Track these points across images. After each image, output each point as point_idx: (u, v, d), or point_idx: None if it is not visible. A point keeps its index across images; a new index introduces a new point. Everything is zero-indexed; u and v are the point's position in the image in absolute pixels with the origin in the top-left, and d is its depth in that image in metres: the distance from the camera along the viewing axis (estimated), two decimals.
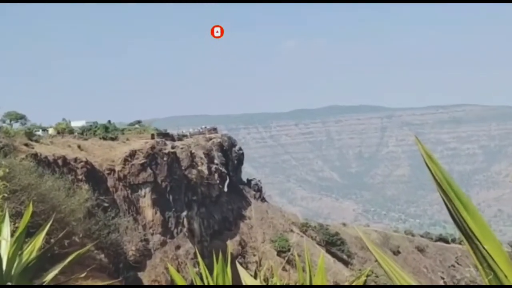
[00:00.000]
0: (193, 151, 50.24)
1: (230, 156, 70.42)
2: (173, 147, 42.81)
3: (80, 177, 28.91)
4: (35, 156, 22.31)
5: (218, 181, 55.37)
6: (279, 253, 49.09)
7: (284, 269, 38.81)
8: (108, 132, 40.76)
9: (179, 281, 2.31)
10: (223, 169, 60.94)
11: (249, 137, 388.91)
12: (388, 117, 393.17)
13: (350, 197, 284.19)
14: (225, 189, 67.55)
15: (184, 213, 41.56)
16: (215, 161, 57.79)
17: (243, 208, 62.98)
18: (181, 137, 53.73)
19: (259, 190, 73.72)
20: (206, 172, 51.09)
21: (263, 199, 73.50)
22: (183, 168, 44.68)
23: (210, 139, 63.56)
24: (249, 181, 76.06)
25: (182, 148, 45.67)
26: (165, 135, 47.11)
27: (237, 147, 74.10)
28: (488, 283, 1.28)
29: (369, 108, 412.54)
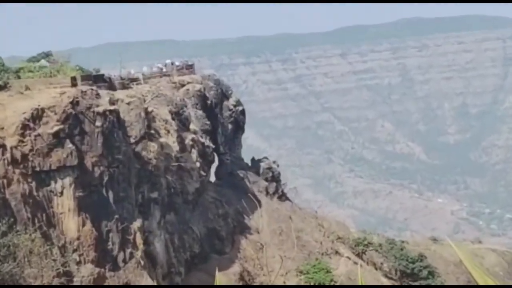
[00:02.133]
0: (150, 108, 50.11)
1: (220, 116, 71.98)
2: (112, 102, 42.67)
3: None
4: None
5: (198, 164, 55.70)
6: None
7: None
8: None
9: None
10: (208, 142, 61.23)
11: (255, 79, 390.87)
12: None
13: (445, 189, 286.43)
14: (212, 178, 68.25)
15: (137, 224, 42.11)
16: (192, 127, 58.48)
17: (245, 213, 64.45)
18: (127, 82, 53.33)
19: (275, 178, 75.40)
20: (176, 147, 51.35)
21: (282, 196, 75.60)
22: (132, 140, 44.67)
23: (182, 84, 64.04)
24: (256, 162, 78.08)
25: (129, 104, 45.43)
26: (98, 79, 46.62)
27: (232, 100, 75.21)
28: None
29: (478, 20, 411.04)
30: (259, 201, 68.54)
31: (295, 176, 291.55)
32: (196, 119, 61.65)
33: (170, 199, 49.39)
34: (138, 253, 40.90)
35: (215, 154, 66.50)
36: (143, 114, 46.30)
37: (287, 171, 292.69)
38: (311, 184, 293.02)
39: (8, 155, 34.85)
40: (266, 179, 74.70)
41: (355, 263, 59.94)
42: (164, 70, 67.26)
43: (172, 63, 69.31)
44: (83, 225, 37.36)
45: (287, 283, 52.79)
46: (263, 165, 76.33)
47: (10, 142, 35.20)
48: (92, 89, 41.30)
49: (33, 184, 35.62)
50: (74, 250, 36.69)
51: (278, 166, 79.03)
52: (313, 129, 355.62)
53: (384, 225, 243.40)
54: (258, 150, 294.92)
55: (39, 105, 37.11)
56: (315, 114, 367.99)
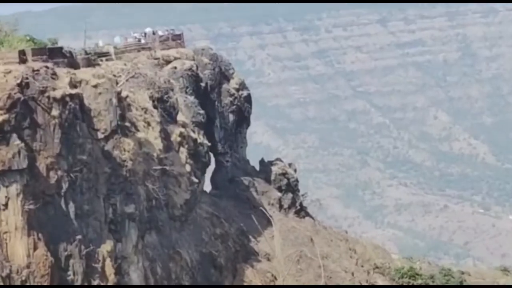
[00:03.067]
0: (124, 92, 50.10)
1: (218, 104, 71.69)
2: (74, 84, 42.82)
3: None
4: None
5: (188, 168, 55.80)
6: None
7: None
8: None
9: None
10: (201, 138, 61.40)
11: (264, 54, 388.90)
12: None
13: None
14: (207, 187, 68.08)
15: (107, 247, 42.10)
16: (181, 119, 58.43)
17: (251, 234, 64.28)
18: (94, 58, 53.38)
19: (291, 187, 75.34)
20: (158, 145, 51.54)
21: (301, 211, 75.36)
22: (100, 136, 44.70)
23: (167, 61, 64.32)
24: (265, 165, 77.81)
25: (97, 87, 45.42)
26: (54, 53, 46.63)
27: (234, 82, 75.11)
28: None
29: None
30: (270, 218, 68.32)
31: (318, 184, 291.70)
32: (186, 108, 61.49)
33: (151, 214, 49.30)
34: None
35: (211, 155, 66.35)
36: (115, 101, 46.13)
37: (308, 178, 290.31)
38: (340, 195, 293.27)
39: None
40: (279, 188, 74.37)
41: None
42: (143, 41, 67.10)
43: (154, 33, 69.11)
44: (35, 248, 37.25)
45: None
46: (275, 169, 75.98)
47: None
48: (47, 67, 41.15)
49: None
50: (23, 282, 36.66)
51: (295, 171, 78.65)
52: (342, 122, 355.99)
53: (437, 251, 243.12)
54: (269, 150, 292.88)
55: None
56: (345, 101, 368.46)
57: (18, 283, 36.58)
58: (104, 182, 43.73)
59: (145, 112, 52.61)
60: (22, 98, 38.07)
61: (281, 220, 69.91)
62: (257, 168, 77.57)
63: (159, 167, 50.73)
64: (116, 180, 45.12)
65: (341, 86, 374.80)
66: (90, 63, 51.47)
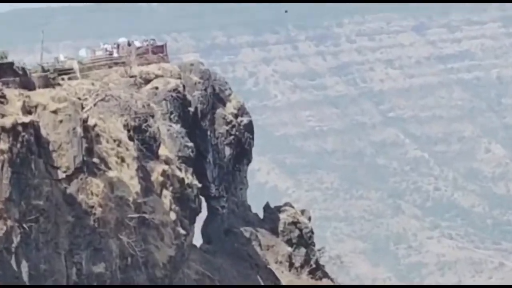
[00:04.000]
0: (92, 120, 50.18)
1: (211, 134, 71.71)
2: (28, 110, 43.08)
3: None
4: None
5: (173, 216, 55.92)
6: None
7: None
8: None
9: None
10: (190, 178, 61.54)
11: (269, 70, 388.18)
12: None
13: None
14: (198, 241, 67.84)
15: None
16: (163, 153, 58.77)
17: None
18: (53, 76, 53.57)
19: (304, 241, 75.22)
20: (135, 187, 51.72)
21: (317, 270, 74.75)
22: (62, 175, 44.74)
23: (147, 80, 64.80)
24: (271, 212, 77.70)
25: (57, 112, 45.54)
26: (4, 70, 46.86)
27: (231, 105, 75.42)
28: None
29: None
30: (277, 280, 68.01)
31: (338, 236, 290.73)
32: (171, 139, 61.47)
33: (126, 275, 49.11)
34: None
35: (202, 199, 66.22)
36: (79, 131, 46.22)
37: (326, 228, 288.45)
38: (366, 250, 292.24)
39: None
40: (289, 242, 74.14)
41: None
42: (116, 55, 67.33)
43: (130, 44, 69.48)
44: None
45: None
46: (284, 217, 75.80)
47: None
48: None
49: None
50: None
51: (310, 219, 78.46)
52: (369, 156, 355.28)
53: None
54: (276, 192, 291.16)
55: None
56: (372, 130, 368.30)
57: None
58: (66, 234, 43.58)
59: (119, 145, 52.54)
60: None
61: (291, 282, 69.59)
62: (261, 215, 77.35)
63: (136, 215, 50.55)
64: (81, 232, 44.94)
65: (367, 111, 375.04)
66: (48, 83, 51.51)
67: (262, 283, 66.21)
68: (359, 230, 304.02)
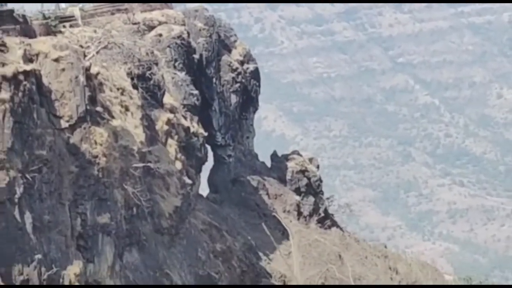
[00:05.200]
0: (95, 68, 50.08)
1: (217, 82, 71.93)
2: (30, 58, 43.06)
3: None
4: None
5: (179, 165, 56.14)
6: None
7: None
8: None
9: None
10: (195, 126, 61.66)
11: (275, 16, 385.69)
12: None
13: None
14: (204, 190, 68.02)
15: (74, 269, 42.24)
16: (168, 101, 58.68)
17: (262, 250, 64.40)
18: (54, 24, 53.34)
19: (312, 189, 75.61)
20: (140, 136, 51.72)
21: (326, 219, 75.61)
22: (65, 124, 44.68)
23: (150, 26, 64.91)
24: (279, 160, 78.27)
25: (59, 61, 45.40)
26: (3, 18, 46.63)
27: (237, 52, 75.70)
28: None
29: None
30: (285, 229, 68.30)
31: (348, 184, 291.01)
32: (175, 87, 61.36)
33: (132, 226, 49.27)
34: None
35: (208, 148, 66.27)
36: (82, 79, 46.10)
37: (335, 177, 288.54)
38: (376, 199, 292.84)
39: None
40: (297, 191, 74.38)
41: None
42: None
43: None
44: None
45: None
46: (292, 165, 75.99)
47: None
48: None
49: None
50: None
51: (318, 167, 78.60)
52: (378, 103, 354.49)
53: (503, 269, 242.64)
54: (284, 140, 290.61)
55: None
56: (381, 75, 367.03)
57: None
58: (69, 185, 43.65)
59: (122, 94, 52.48)
60: None
61: (300, 231, 69.87)
62: (268, 164, 77.49)
63: (141, 164, 50.66)
64: (85, 182, 45.03)
65: (376, 57, 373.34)
66: (49, 31, 51.34)
67: (269, 233, 66.53)
68: (368, 178, 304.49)
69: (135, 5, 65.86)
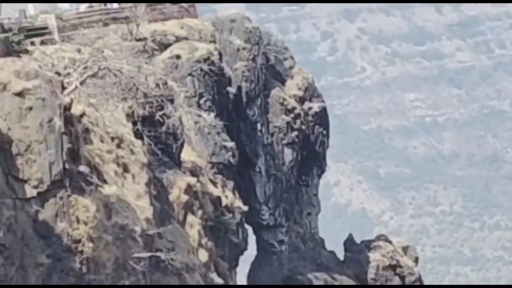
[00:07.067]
0: (78, 106, 50.48)
1: (263, 127, 72.67)
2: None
3: None
4: None
5: (205, 257, 55.91)
6: None
7: None
8: None
9: None
10: (229, 196, 61.41)
11: (353, 29, 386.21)
12: None
13: None
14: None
15: None
16: (191, 158, 59.28)
17: None
18: (18, 38, 54.04)
19: None
20: (146, 210, 51.56)
21: None
22: (31, 192, 44.99)
23: (163, 44, 65.63)
24: (357, 248, 77.56)
25: (23, 95, 45.89)
26: None
27: (294, 83, 75.31)
28: None
29: None
30: None
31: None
32: (200, 137, 61.91)
33: None
34: None
35: (248, 229, 66.51)
36: (59, 124, 46.55)
37: (443, 275, 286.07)
38: None
39: None
40: None
41: None
42: (116, 5, 67.96)
43: None
44: None
45: None
46: (376, 257, 76.18)
47: None
48: None
49: None
50: None
51: (417, 260, 78.69)
52: (509, 162, 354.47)
53: None
54: (365, 218, 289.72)
55: None
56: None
57: None
58: (37, 283, 43.88)
59: (119, 146, 52.94)
60: None
61: None
62: (341, 255, 77.67)
63: (146, 254, 50.86)
64: (61, 280, 45.33)
65: (507, 92, 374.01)
66: (10, 50, 52.06)
67: None
68: (494, 278, 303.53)
69: (140, 11, 66.28)
